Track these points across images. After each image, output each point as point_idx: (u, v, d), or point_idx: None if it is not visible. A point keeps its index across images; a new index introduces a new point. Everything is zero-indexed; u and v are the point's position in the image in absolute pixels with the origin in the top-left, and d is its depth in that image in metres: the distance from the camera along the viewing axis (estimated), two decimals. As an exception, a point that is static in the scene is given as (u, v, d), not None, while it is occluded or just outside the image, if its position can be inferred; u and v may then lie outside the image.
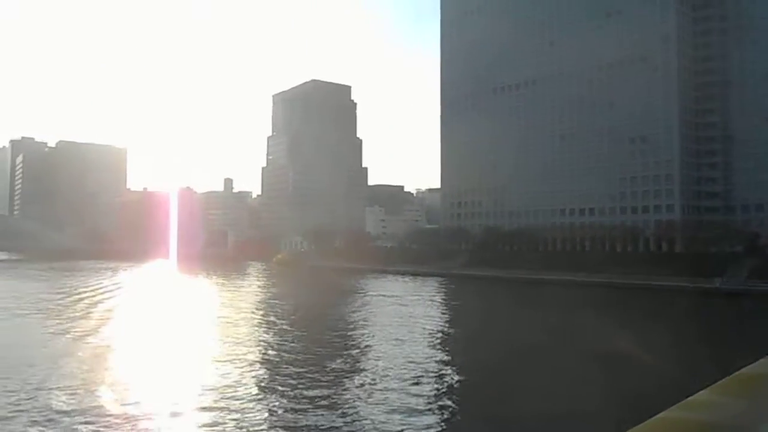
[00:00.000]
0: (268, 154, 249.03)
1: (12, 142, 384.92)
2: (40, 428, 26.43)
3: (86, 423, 27.00)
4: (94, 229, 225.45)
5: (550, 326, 54.98)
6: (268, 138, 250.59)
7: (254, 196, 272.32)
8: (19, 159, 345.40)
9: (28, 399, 30.65)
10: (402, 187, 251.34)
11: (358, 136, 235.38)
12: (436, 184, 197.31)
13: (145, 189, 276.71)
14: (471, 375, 37.87)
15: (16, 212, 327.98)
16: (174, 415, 28.78)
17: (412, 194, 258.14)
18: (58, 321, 58.75)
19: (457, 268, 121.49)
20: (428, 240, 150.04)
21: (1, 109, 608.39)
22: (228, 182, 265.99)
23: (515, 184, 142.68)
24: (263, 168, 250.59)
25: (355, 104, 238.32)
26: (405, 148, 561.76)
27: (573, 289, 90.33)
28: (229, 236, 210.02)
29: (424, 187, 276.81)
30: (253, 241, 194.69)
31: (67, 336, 49.58)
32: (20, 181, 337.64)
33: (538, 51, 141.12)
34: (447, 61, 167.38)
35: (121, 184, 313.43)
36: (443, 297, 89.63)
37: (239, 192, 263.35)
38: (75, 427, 26.56)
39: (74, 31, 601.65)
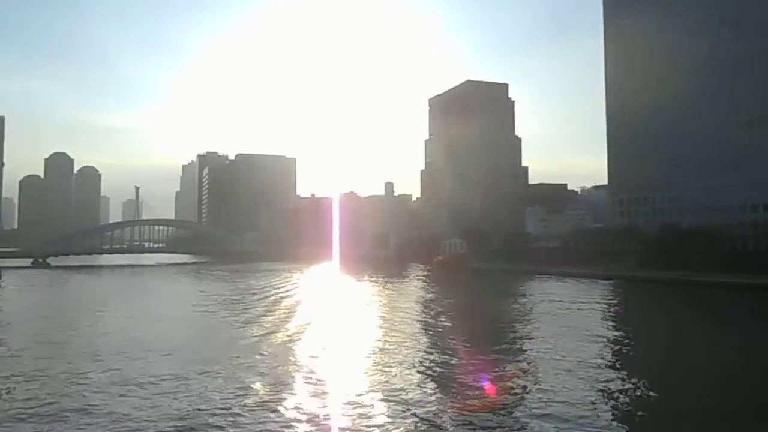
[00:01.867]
0: (426, 157, 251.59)
1: (199, 156, 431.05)
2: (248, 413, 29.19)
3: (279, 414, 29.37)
4: (268, 234, 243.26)
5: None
6: (426, 141, 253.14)
7: (414, 198, 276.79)
8: (205, 171, 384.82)
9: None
10: (564, 186, 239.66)
11: (516, 134, 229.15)
12: (602, 180, 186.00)
13: (312, 195, 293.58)
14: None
15: (203, 219, 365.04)
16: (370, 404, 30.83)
17: (576, 192, 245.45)
18: (247, 316, 65.55)
19: (626, 270, 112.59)
20: (593, 240, 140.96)
21: (191, 129, 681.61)
22: (389, 186, 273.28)
23: (692, 178, 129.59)
24: (422, 171, 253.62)
25: (513, 102, 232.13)
26: (567, 146, 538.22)
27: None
28: (390, 238, 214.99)
29: (588, 184, 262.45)
30: (413, 243, 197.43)
31: (258, 330, 54.85)
32: (206, 191, 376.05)
33: (715, 31, 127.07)
34: (611, 48, 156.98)
35: (292, 192, 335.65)
36: (618, 304, 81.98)
37: (400, 195, 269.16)
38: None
39: (248, 55, 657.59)
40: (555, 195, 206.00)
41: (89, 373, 37.11)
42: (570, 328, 55.58)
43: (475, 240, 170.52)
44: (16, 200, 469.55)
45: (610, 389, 33.55)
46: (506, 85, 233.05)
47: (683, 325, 60.66)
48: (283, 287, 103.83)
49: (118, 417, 28.34)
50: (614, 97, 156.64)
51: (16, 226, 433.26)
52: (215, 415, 28.97)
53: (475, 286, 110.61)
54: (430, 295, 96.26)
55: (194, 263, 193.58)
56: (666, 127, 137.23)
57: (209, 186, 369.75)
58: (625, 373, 38.04)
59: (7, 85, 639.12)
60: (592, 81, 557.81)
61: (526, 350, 46.30)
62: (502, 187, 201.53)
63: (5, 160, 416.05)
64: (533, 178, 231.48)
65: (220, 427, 27.43)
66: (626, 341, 51.37)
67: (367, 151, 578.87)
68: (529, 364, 40.64)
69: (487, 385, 34.04)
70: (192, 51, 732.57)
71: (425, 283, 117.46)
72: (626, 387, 34.63)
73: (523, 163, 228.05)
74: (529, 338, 51.84)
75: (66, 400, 31.14)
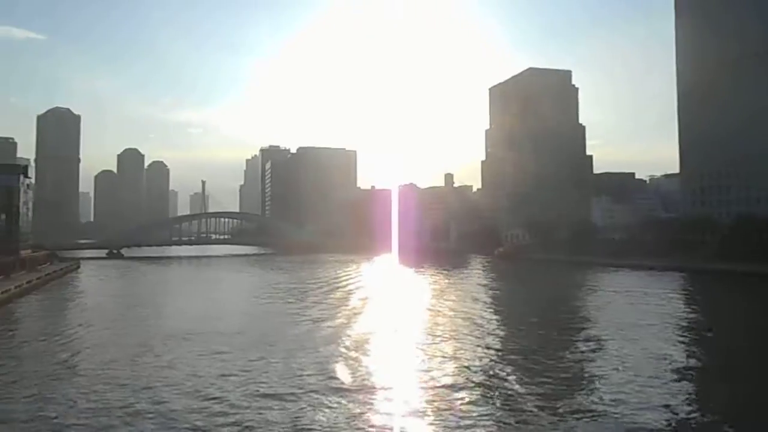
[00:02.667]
0: (486, 147, 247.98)
1: (262, 150, 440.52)
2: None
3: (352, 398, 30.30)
4: (329, 226, 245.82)
5: None
6: (486, 131, 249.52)
7: (475, 189, 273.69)
8: (268, 165, 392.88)
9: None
10: (632, 174, 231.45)
11: (580, 122, 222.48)
12: (673, 169, 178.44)
13: (372, 187, 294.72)
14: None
15: (266, 211, 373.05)
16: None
17: (645, 181, 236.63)
18: (313, 306, 67.03)
19: (702, 262, 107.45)
20: (664, 231, 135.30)
21: (254, 124, 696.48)
22: (449, 177, 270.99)
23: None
24: (482, 161, 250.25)
25: (577, 89, 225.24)
26: (634, 133, 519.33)
27: None
28: (450, 230, 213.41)
29: (658, 173, 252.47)
30: (474, 234, 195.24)
31: (324, 320, 55.87)
32: (269, 184, 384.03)
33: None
34: (683, 29, 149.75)
35: (352, 184, 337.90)
36: (695, 298, 77.92)
37: (460, 186, 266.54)
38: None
39: (308, 51, 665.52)
40: (622, 184, 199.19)
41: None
42: (667, 325, 51.84)
43: (537, 231, 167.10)
44: (92, 194, 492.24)
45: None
46: (570, 72, 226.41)
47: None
48: (346, 278, 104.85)
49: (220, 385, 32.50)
50: (686, 81, 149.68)
51: (92, 219, 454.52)
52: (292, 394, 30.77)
53: (541, 278, 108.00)
54: (498, 287, 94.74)
55: (258, 254, 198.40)
56: (742, 113, 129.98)
57: (272, 179, 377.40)
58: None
59: (82, 84, 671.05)
60: (662, 64, 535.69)
61: (615, 349, 41.96)
62: (566, 176, 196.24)
63: (81, 156, 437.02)
64: (598, 167, 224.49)
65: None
66: (734, 340, 47.26)
67: (427, 143, 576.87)
68: (621, 364, 37.44)
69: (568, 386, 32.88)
70: (253, 49, 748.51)
71: (489, 275, 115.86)
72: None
73: (588, 152, 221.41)
74: (614, 336, 46.83)
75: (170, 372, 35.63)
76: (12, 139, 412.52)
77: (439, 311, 62.57)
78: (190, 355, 40.26)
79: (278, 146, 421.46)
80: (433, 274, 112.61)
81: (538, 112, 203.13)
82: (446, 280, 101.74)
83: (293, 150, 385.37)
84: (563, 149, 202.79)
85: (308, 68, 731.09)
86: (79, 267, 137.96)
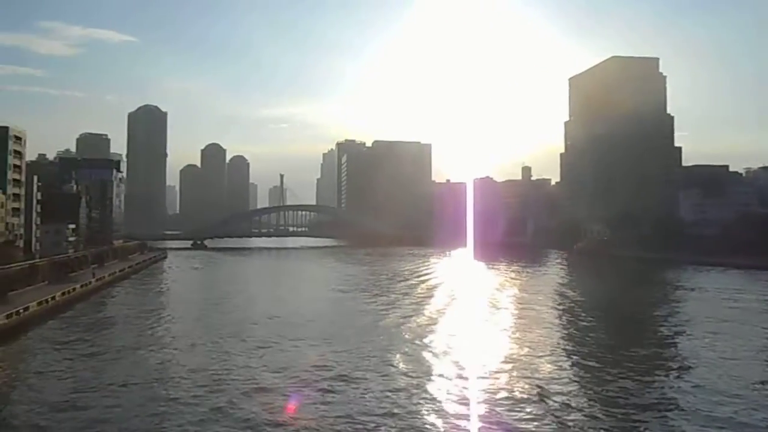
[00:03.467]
0: (566, 140, 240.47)
1: (338, 144, 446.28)
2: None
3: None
4: (404, 219, 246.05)
5: None
6: (566, 123, 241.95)
7: (553, 183, 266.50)
8: (344, 159, 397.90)
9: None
10: (726, 167, 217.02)
11: (668, 112, 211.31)
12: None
13: (447, 180, 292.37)
14: None
15: (342, 205, 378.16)
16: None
17: (740, 174, 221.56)
18: (392, 298, 68.88)
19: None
20: (762, 227, 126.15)
21: (329, 118, 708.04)
22: (526, 170, 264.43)
23: None
24: (561, 154, 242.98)
25: (664, 77, 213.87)
26: (728, 123, 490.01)
27: None
28: (527, 224, 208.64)
29: (755, 165, 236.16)
30: (551, 229, 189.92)
31: (407, 315, 56.79)
32: (345, 177, 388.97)
33: None
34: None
35: (427, 177, 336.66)
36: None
37: (537, 179, 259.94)
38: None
39: (382, 45, 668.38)
40: (714, 177, 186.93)
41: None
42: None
43: (619, 226, 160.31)
44: (177, 188, 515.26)
45: None
46: (657, 59, 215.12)
47: None
48: (421, 272, 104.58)
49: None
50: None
51: (178, 211, 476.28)
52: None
53: (624, 277, 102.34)
54: (578, 285, 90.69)
55: (334, 246, 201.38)
56: None
57: (348, 173, 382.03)
58: None
59: (169, 83, 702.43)
60: (760, 49, 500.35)
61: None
62: (652, 169, 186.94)
63: (168, 151, 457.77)
64: (687, 160, 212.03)
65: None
66: None
67: (504, 135, 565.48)
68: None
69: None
70: (329, 46, 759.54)
71: (569, 272, 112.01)
72: None
73: (676, 143, 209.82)
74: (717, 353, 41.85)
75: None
76: (106, 135, 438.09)
77: (522, 312, 60.07)
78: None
79: (354, 140, 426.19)
80: (511, 270, 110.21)
81: (621, 102, 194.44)
82: (525, 277, 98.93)
83: (368, 144, 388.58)
84: (649, 141, 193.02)
85: (385, 64, 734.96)
86: (166, 257, 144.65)
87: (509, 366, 36.17)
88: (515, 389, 30.97)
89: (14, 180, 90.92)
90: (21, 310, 53.70)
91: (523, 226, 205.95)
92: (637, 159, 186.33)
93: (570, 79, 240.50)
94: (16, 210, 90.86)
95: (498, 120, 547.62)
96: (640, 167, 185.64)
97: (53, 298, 62.45)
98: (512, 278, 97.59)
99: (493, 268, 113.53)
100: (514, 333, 47.39)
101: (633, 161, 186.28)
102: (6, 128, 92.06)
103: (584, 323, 54.47)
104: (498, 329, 48.97)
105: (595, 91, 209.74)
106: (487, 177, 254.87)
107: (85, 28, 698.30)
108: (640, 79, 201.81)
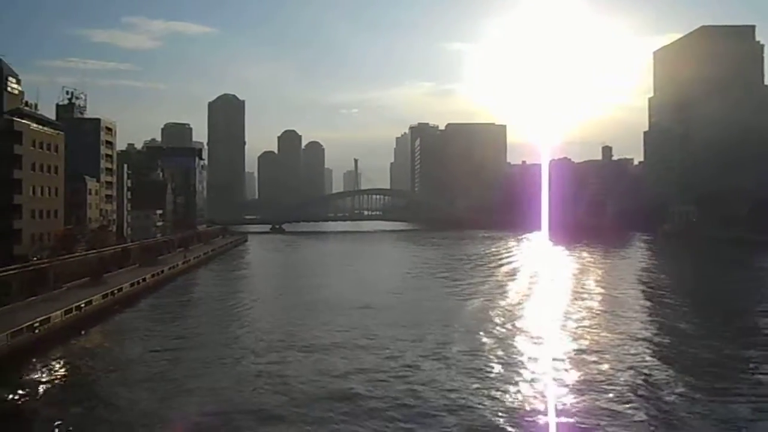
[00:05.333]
0: (650, 117, 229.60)
1: (411, 128, 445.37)
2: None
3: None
4: (478, 202, 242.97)
5: None
6: (650, 99, 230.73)
7: (636, 163, 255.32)
8: (417, 142, 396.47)
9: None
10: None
11: (766, 84, 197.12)
12: None
13: (523, 162, 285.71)
14: None
15: (416, 188, 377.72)
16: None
17: None
18: (468, 282, 69.33)
19: None
20: None
21: (403, 102, 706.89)
22: (606, 150, 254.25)
23: None
24: (645, 132, 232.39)
25: (762, 46, 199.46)
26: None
27: None
28: (607, 206, 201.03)
29: None
30: (633, 211, 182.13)
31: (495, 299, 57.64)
32: (418, 161, 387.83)
33: None
34: None
35: (502, 159, 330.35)
36: None
37: (619, 159, 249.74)
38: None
39: (454, 27, 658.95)
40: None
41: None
42: None
43: (709, 207, 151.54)
44: (255, 174, 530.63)
45: None
46: (752, 27, 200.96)
47: None
48: (501, 255, 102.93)
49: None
50: None
51: (256, 196, 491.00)
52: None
53: (722, 261, 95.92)
54: (673, 272, 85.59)
55: (409, 230, 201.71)
56: None
57: (421, 156, 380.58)
58: None
59: (246, 72, 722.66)
60: None
61: None
62: (747, 146, 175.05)
63: (246, 138, 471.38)
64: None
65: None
66: None
67: (583, 114, 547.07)
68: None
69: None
70: (396, 28, 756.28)
71: (658, 257, 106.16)
72: None
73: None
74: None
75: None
76: (188, 124, 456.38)
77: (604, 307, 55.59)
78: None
79: (427, 123, 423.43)
80: (592, 255, 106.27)
81: (712, 75, 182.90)
82: (610, 263, 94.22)
83: (442, 127, 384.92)
84: (743, 115, 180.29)
85: (459, 46, 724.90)
86: (246, 240, 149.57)
87: (606, 355, 35.19)
88: (610, 377, 29.89)
89: (107, 169, 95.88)
90: (115, 291, 57.12)
91: (603, 207, 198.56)
92: (730, 136, 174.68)
93: (655, 52, 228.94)
94: (108, 197, 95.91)
95: (578, 99, 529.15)
96: (734, 144, 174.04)
97: (144, 279, 66.03)
98: (599, 263, 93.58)
99: (573, 253, 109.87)
100: (608, 324, 45.64)
101: (726, 138, 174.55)
102: (98, 120, 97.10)
103: (685, 316, 50.82)
104: (589, 320, 47.40)
105: (683, 64, 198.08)
106: (565, 158, 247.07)
107: (167, 21, 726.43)
108: (733, 49, 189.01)
